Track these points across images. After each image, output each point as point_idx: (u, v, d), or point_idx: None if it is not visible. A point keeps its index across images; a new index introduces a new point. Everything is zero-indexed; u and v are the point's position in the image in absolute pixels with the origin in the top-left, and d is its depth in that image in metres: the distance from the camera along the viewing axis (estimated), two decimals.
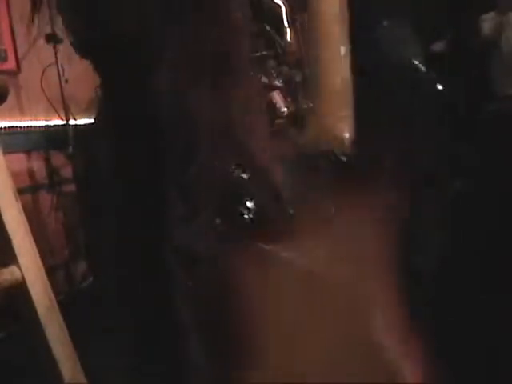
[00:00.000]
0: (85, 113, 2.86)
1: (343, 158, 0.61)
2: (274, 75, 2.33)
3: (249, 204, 0.65)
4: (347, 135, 0.62)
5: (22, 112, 2.64)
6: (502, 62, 3.17)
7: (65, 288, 2.61)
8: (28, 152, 2.65)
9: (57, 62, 2.52)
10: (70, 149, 2.55)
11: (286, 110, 2.17)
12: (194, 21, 0.67)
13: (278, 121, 2.13)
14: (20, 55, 2.65)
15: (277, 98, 2.16)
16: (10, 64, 2.61)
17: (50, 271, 2.37)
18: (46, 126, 2.72)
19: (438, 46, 3.15)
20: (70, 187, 2.69)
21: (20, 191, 1.02)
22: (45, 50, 2.57)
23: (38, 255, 0.99)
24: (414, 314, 0.56)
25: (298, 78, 2.63)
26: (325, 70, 0.62)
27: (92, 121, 2.86)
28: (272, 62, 2.38)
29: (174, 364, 0.67)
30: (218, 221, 0.65)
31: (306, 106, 2.65)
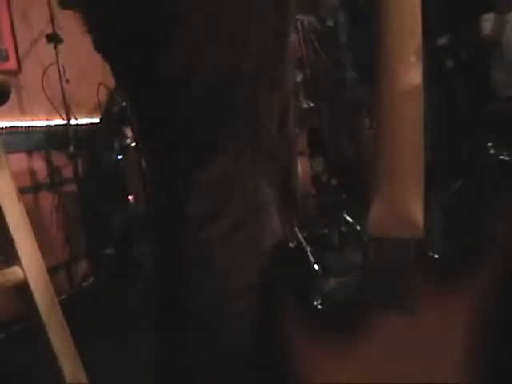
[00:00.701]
0: (86, 112, 2.86)
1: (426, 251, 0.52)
2: None
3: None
4: (420, 218, 0.53)
5: (22, 112, 2.64)
6: (501, 62, 3.18)
7: (66, 288, 2.62)
8: (29, 152, 2.65)
9: (58, 61, 2.52)
10: (71, 148, 2.55)
11: None
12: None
13: None
14: (21, 55, 2.65)
15: None
16: (11, 64, 2.62)
17: (52, 271, 2.37)
18: (46, 125, 2.73)
19: (442, 40, 3.14)
20: (71, 187, 2.69)
21: (21, 191, 1.02)
22: (45, 50, 2.57)
23: (40, 255, 0.99)
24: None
25: (298, 78, 2.62)
26: (396, 142, 0.53)
27: (93, 120, 2.87)
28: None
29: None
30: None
31: (306, 106, 2.66)
